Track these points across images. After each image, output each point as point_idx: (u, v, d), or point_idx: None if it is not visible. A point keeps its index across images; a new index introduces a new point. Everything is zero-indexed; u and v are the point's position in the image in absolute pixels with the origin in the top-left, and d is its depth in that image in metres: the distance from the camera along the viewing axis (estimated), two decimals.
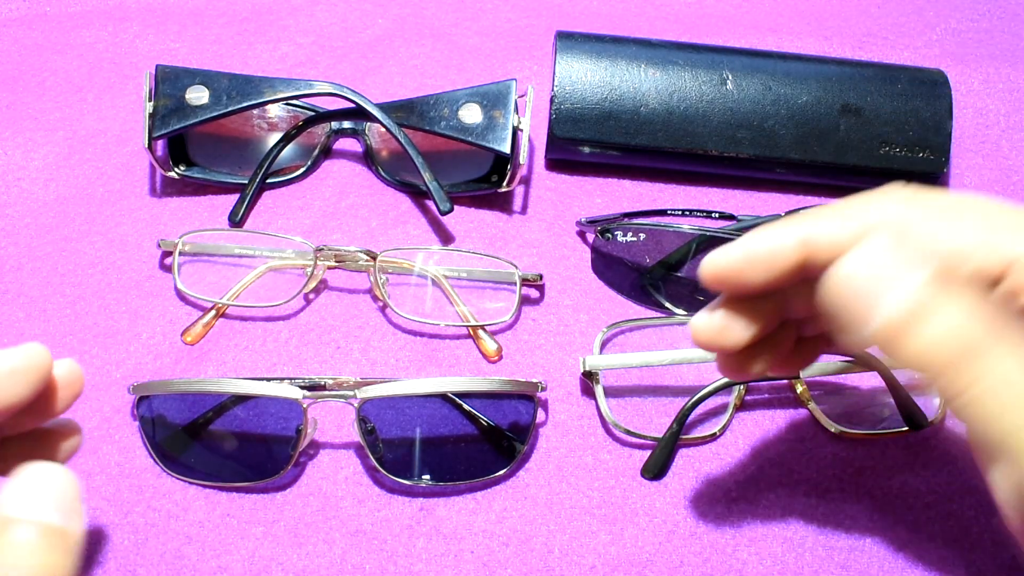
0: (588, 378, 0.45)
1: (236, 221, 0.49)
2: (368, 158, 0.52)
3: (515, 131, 0.48)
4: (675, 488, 0.43)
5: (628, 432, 0.44)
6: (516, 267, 0.47)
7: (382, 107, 0.49)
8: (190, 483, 0.42)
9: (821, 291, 0.27)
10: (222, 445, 0.43)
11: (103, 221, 0.50)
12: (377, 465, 0.42)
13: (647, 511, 0.43)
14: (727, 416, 0.45)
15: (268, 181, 0.51)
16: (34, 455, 0.29)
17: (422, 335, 0.47)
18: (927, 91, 0.51)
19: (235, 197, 0.50)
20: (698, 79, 0.50)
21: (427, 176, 0.47)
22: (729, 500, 0.43)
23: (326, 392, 0.41)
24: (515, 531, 0.42)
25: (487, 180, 0.51)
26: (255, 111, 0.51)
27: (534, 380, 0.43)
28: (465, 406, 0.43)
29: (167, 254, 0.48)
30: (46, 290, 0.47)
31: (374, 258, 0.46)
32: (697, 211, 0.50)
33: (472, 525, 0.42)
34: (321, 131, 0.52)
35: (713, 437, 0.45)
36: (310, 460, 0.43)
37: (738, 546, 0.42)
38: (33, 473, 0.24)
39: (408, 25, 0.58)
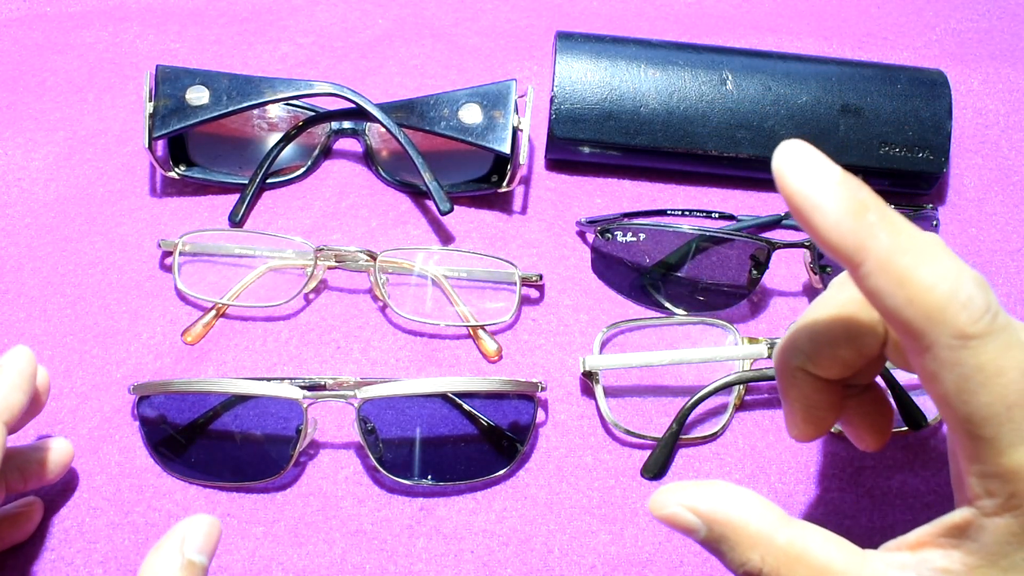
0: (588, 378, 0.45)
1: (236, 221, 0.49)
2: (368, 158, 0.52)
3: (515, 131, 0.48)
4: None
5: (628, 432, 0.44)
6: (516, 267, 0.47)
7: (382, 107, 0.49)
8: (190, 483, 0.42)
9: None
10: (222, 445, 0.43)
11: (103, 221, 0.50)
12: (377, 465, 0.42)
13: (647, 511, 0.43)
14: (727, 416, 0.45)
15: (268, 181, 0.51)
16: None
17: (422, 335, 0.47)
18: (927, 91, 0.51)
19: (235, 197, 0.50)
20: (698, 79, 0.50)
21: (427, 176, 0.47)
22: None
23: (326, 392, 0.41)
24: (515, 531, 0.42)
25: (487, 180, 0.51)
26: (255, 111, 0.51)
27: (534, 380, 0.43)
28: (465, 406, 0.43)
29: (167, 254, 0.48)
30: (46, 290, 0.47)
31: (374, 258, 0.46)
32: (697, 211, 0.50)
33: (472, 525, 0.42)
34: (321, 131, 0.52)
35: (713, 437, 0.45)
36: (310, 460, 0.43)
37: None
38: (205, 522, 0.32)
39: (408, 25, 0.58)
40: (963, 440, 0.26)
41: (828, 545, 0.28)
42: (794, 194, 0.25)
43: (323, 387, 0.43)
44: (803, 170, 0.25)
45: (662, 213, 0.51)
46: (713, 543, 0.29)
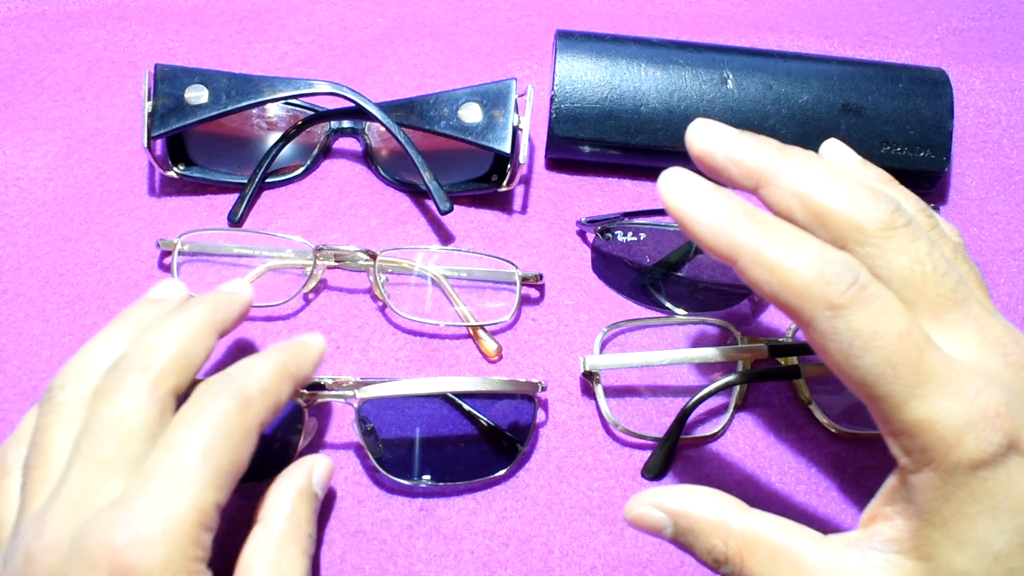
0: (588, 378, 0.45)
1: (236, 221, 0.49)
2: (368, 158, 0.52)
3: (515, 131, 0.48)
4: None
5: (628, 432, 0.44)
6: (516, 267, 0.47)
7: (382, 106, 0.48)
8: None
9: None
10: None
11: (102, 221, 0.50)
12: (377, 465, 0.42)
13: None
14: (727, 416, 0.45)
15: (268, 181, 0.51)
16: None
17: (422, 335, 0.47)
18: (928, 90, 0.51)
19: (234, 197, 0.50)
20: (698, 78, 0.50)
21: (427, 176, 0.47)
22: None
23: (326, 392, 0.41)
24: (515, 531, 0.42)
25: (487, 180, 0.51)
26: (254, 111, 0.51)
27: (534, 380, 0.43)
28: (465, 406, 0.43)
29: (166, 254, 0.48)
30: (46, 290, 0.47)
31: (374, 258, 0.46)
32: None
33: (472, 525, 0.42)
34: (321, 131, 0.51)
35: (713, 437, 0.45)
36: None
37: None
38: (326, 463, 0.39)
39: (408, 25, 0.58)
40: (869, 405, 0.28)
41: (784, 530, 0.31)
42: (674, 210, 0.30)
43: (323, 387, 0.43)
44: (679, 189, 0.30)
45: (662, 213, 0.50)
46: (680, 537, 0.32)
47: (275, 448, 0.42)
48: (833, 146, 0.37)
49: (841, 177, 0.30)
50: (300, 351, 0.37)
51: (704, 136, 0.32)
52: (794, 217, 0.30)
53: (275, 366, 0.36)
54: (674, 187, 0.30)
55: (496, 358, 0.46)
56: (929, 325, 0.29)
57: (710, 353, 0.44)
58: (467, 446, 0.43)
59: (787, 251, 0.28)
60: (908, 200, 0.33)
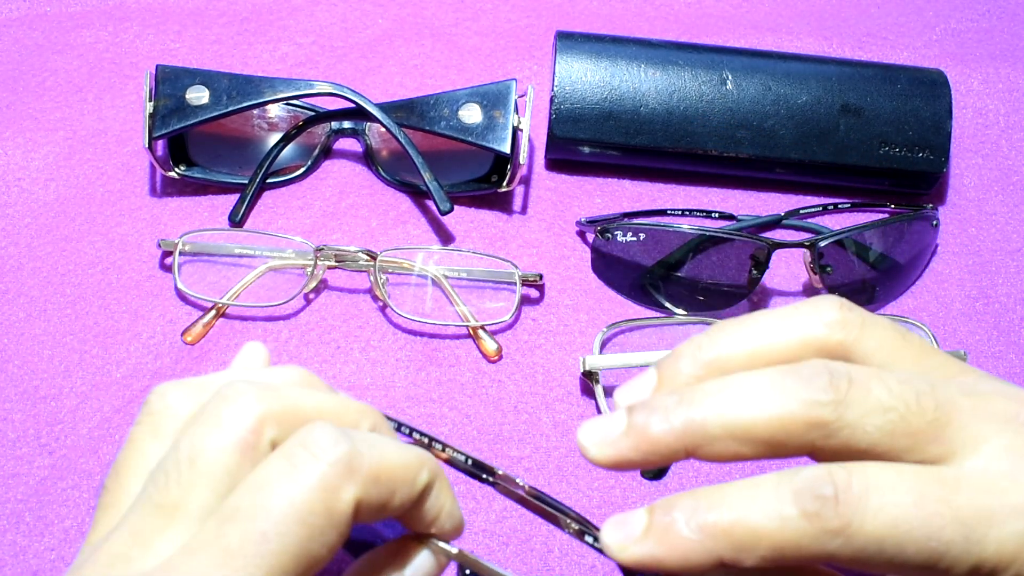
0: (588, 378, 0.45)
1: (236, 221, 0.49)
2: (368, 158, 0.52)
3: (515, 131, 0.48)
4: (675, 488, 0.43)
5: None
6: (516, 267, 0.47)
7: (382, 107, 0.49)
8: None
9: None
10: None
11: (103, 221, 0.50)
12: None
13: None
14: None
15: (268, 181, 0.51)
16: None
17: (422, 335, 0.47)
18: (927, 91, 0.51)
19: (235, 197, 0.50)
20: (698, 79, 0.50)
21: (427, 176, 0.47)
22: None
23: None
24: (515, 531, 0.42)
25: (487, 180, 0.51)
26: (255, 111, 0.51)
27: None
28: None
29: (167, 254, 0.48)
30: (46, 290, 0.47)
31: (374, 258, 0.46)
32: (697, 211, 0.50)
33: (472, 525, 0.42)
34: (321, 131, 0.52)
35: None
36: None
37: None
38: (426, 559, 0.27)
39: (408, 25, 0.58)
40: None
41: None
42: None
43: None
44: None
45: (662, 213, 0.51)
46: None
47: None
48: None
49: (755, 384, 0.25)
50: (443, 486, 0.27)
51: (600, 445, 0.27)
52: (746, 456, 0.26)
53: (421, 453, 0.26)
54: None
55: (496, 358, 0.46)
56: (936, 454, 0.25)
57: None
58: None
59: (748, 510, 0.24)
60: (814, 320, 0.26)
